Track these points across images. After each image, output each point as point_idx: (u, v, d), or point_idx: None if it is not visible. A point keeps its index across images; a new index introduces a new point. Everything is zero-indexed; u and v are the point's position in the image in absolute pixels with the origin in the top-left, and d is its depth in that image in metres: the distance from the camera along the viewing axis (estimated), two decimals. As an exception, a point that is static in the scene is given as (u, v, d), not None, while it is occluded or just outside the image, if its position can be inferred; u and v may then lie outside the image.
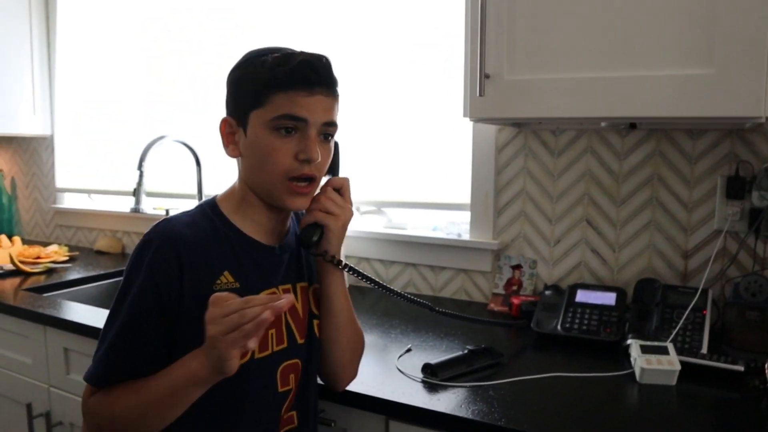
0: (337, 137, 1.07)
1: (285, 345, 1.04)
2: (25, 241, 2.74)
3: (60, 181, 2.83)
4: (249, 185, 1.02)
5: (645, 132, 1.55)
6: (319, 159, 0.97)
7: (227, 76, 1.03)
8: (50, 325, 1.74)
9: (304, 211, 1.07)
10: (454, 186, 1.86)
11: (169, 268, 0.93)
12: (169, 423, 0.92)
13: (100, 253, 2.66)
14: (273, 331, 1.02)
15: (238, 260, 1.00)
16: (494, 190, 1.75)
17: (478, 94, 1.36)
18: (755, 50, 1.13)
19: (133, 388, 0.93)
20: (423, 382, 1.22)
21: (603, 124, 1.49)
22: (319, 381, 1.16)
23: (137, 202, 2.06)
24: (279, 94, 0.94)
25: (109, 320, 0.97)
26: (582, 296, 1.50)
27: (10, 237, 2.56)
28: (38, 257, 2.35)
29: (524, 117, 1.38)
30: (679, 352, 1.27)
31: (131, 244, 2.65)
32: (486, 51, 1.34)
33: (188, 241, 0.95)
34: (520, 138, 1.70)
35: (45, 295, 2.00)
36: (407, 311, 1.75)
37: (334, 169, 1.12)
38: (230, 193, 1.06)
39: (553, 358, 1.36)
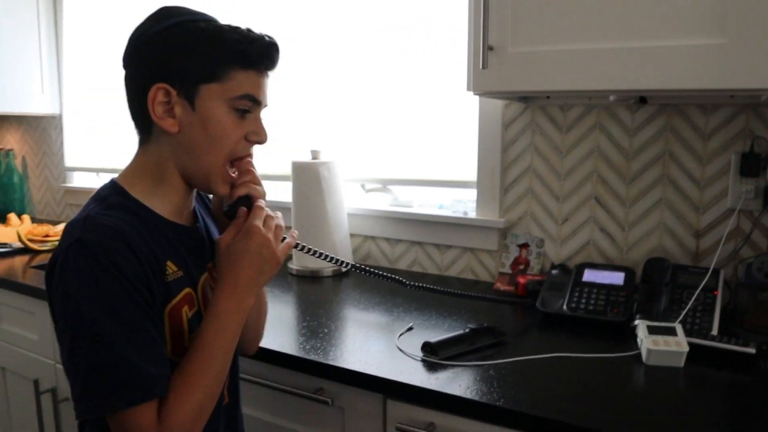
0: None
1: None
2: (35, 220, 2.75)
3: (69, 160, 2.83)
4: (180, 162, 0.92)
5: (656, 107, 1.50)
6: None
7: (146, 35, 0.89)
8: (55, 302, 1.75)
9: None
10: (460, 163, 1.82)
11: (128, 259, 0.82)
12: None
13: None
14: (194, 310, 0.95)
15: (173, 248, 0.93)
16: (501, 167, 1.71)
17: (481, 67, 1.32)
18: (771, 18, 1.08)
19: (189, 371, 0.86)
20: (423, 360, 1.20)
21: (612, 98, 1.44)
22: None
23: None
24: (239, 71, 0.90)
25: (105, 336, 0.80)
26: (589, 275, 1.47)
27: (20, 215, 2.58)
28: (47, 235, 2.36)
29: (529, 90, 1.34)
30: (688, 333, 1.23)
31: (140, 222, 2.64)
32: (489, 22, 1.29)
33: (129, 235, 0.84)
34: (528, 114, 1.66)
35: (52, 272, 2.00)
36: (412, 290, 1.73)
37: None
38: (139, 175, 0.93)
39: (558, 338, 1.33)
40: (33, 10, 2.70)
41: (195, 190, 1.01)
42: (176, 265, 0.92)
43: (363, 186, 2.04)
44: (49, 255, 2.20)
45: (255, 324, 1.12)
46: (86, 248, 0.81)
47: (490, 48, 1.32)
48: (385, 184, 2.00)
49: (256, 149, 0.99)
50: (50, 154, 2.92)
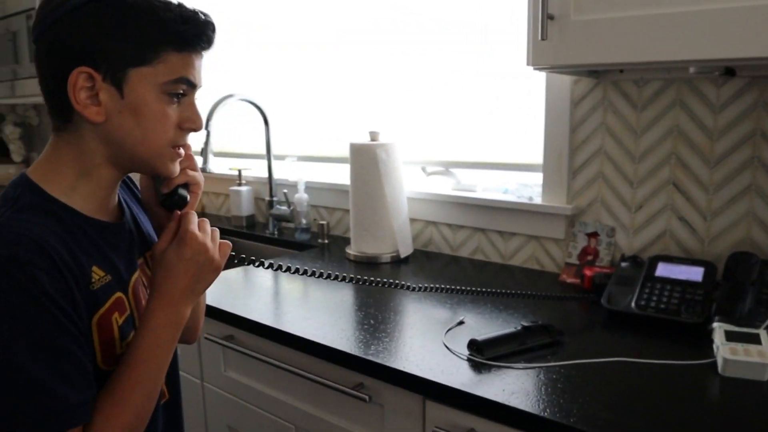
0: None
1: None
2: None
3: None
4: (112, 153, 0.83)
5: (745, 80, 1.31)
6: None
7: (70, 8, 0.77)
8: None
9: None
10: (526, 145, 1.70)
11: (48, 272, 0.74)
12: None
13: (181, 212, 2.72)
14: (125, 315, 0.87)
15: (98, 250, 0.84)
16: (569, 148, 1.57)
17: (540, 38, 1.20)
18: None
19: (119, 392, 0.81)
20: (468, 360, 1.11)
21: (692, 69, 1.28)
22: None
23: (205, 161, 2.05)
24: (173, 53, 0.80)
25: (21, 360, 0.72)
26: (663, 270, 1.32)
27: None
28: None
29: (593, 63, 1.21)
30: (778, 340, 1.08)
31: (209, 204, 2.68)
32: (549, -13, 1.17)
33: (48, 243, 0.75)
34: (599, 90, 1.51)
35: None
36: (474, 276, 1.64)
37: None
38: (57, 168, 0.83)
39: (623, 339, 1.20)
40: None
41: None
42: (103, 269, 0.83)
43: (424, 169, 1.95)
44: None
45: (193, 314, 1.02)
46: (4, 268, 0.71)
47: (551, 17, 1.19)
48: (447, 167, 1.90)
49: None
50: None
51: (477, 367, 1.09)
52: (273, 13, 2.33)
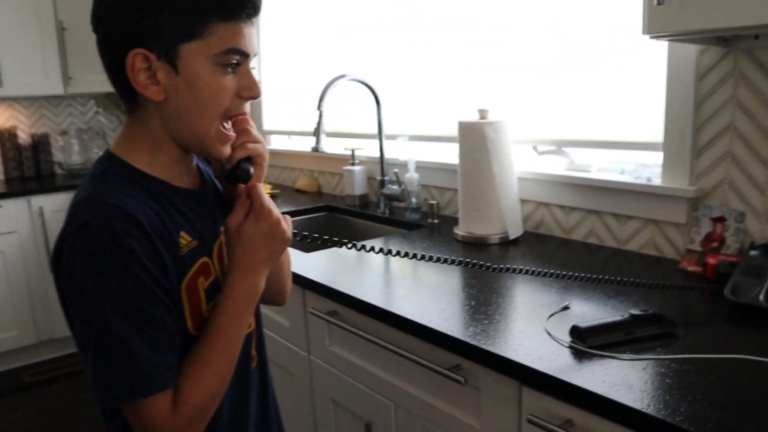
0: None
1: None
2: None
3: (267, 124, 3.03)
4: (171, 130, 0.86)
5: None
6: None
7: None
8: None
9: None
10: (645, 122, 1.58)
11: (141, 241, 0.79)
12: None
13: (299, 191, 2.82)
14: (210, 278, 0.92)
15: (183, 216, 0.88)
16: (693, 125, 1.45)
17: (656, 3, 1.10)
18: None
19: (203, 358, 0.85)
20: (569, 347, 1.07)
21: (841, 35, 1.13)
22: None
23: (317, 141, 2.11)
24: (220, 24, 0.81)
25: (117, 328, 0.77)
26: (799, 259, 1.19)
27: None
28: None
29: (719, 28, 1.09)
30: None
31: (326, 184, 2.76)
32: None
33: (138, 210, 0.80)
34: (729, 60, 1.37)
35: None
36: (587, 261, 1.57)
37: None
38: (135, 143, 0.88)
39: (747, 336, 1.10)
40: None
41: None
42: (189, 234, 0.88)
43: (535, 148, 1.88)
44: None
45: (280, 277, 1.07)
46: (93, 233, 0.76)
47: (670, -19, 1.10)
48: (560, 146, 1.82)
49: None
50: (253, 119, 3.15)
51: (578, 355, 1.04)
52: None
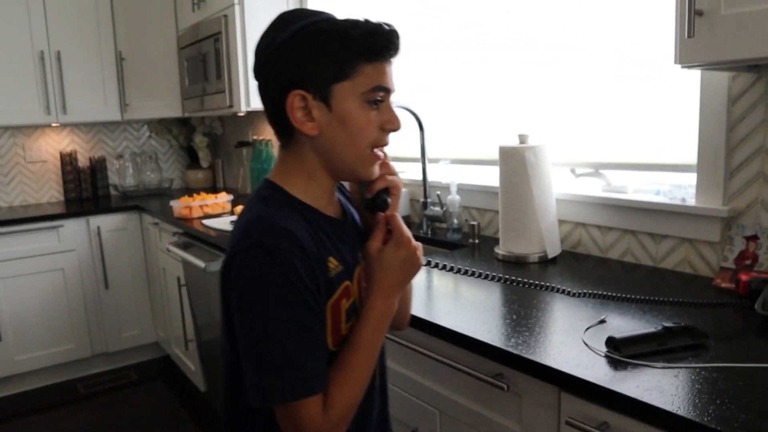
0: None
1: None
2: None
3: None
4: (325, 161, 0.97)
5: None
6: None
7: (272, 45, 0.93)
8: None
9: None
10: (679, 145, 1.65)
11: (303, 262, 0.89)
12: None
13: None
14: (351, 301, 1.01)
15: (332, 242, 0.98)
16: (725, 147, 1.51)
17: (687, 36, 1.19)
18: None
19: (348, 367, 0.95)
20: (606, 357, 1.14)
21: None
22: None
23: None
24: (366, 65, 0.92)
25: (278, 333, 0.88)
26: (829, 276, 1.25)
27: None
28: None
29: (746, 58, 1.17)
30: None
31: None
32: (697, -16, 1.16)
33: (300, 235, 0.90)
34: (760, 85, 1.44)
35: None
36: (623, 279, 1.63)
37: None
38: (291, 174, 0.98)
39: (774, 346, 1.16)
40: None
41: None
42: (336, 259, 0.97)
43: (573, 171, 1.96)
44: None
45: (405, 302, 1.17)
46: (266, 251, 0.86)
47: (699, 13, 1.18)
48: (597, 169, 1.90)
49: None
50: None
51: (613, 363, 1.11)
52: (425, 20, 2.45)
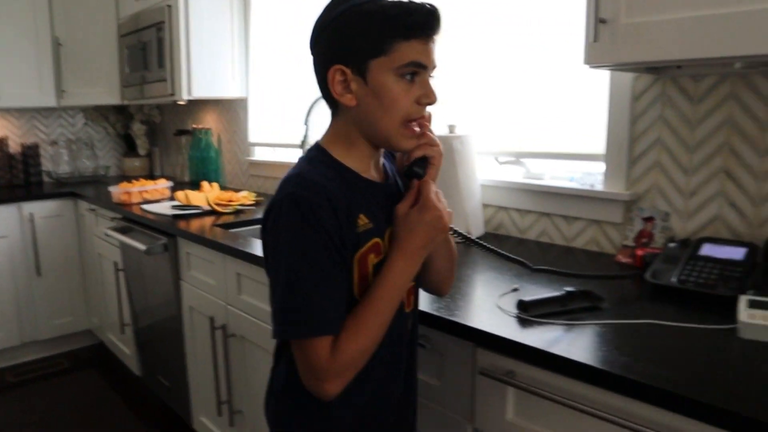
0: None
1: None
2: (223, 187, 3.20)
3: (252, 137, 3.23)
4: (362, 130, 1.05)
5: (797, 74, 1.40)
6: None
7: (322, 24, 1.03)
8: (227, 253, 2.07)
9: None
10: (590, 136, 1.83)
11: (329, 214, 0.97)
12: None
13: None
14: (379, 258, 1.07)
15: (366, 202, 1.05)
16: (629, 139, 1.70)
17: (592, 40, 1.35)
18: None
19: (362, 317, 1.00)
20: (516, 317, 1.28)
21: (737, 65, 1.38)
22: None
23: (303, 153, 2.31)
24: (402, 42, 0.98)
25: (299, 277, 0.97)
26: (708, 250, 1.43)
27: (210, 183, 3.01)
28: (230, 200, 2.75)
29: (639, 61, 1.34)
30: (804, 311, 1.17)
31: (307, 192, 2.96)
32: (602, -6, 1.32)
33: (330, 190, 0.99)
34: (658, 85, 1.63)
35: (231, 230, 2.36)
36: (539, 257, 1.79)
37: None
38: (336, 139, 1.08)
39: (660, 308, 1.33)
40: (227, 8, 3.14)
41: (383, 150, 1.13)
42: (367, 217, 1.04)
43: (497, 159, 2.12)
44: (231, 217, 2.55)
45: (446, 270, 1.22)
46: (296, 202, 0.96)
47: (603, 21, 1.34)
48: (518, 157, 2.06)
49: None
50: (238, 132, 3.36)
51: (522, 322, 1.25)
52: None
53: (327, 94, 1.05)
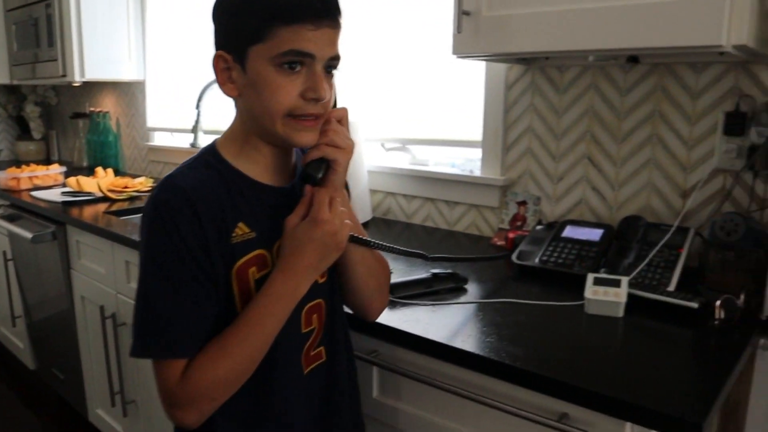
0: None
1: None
2: (120, 173, 3.11)
3: (150, 121, 3.15)
4: (249, 126, 0.93)
5: (648, 67, 1.50)
6: (328, 97, 0.91)
7: (215, 6, 0.91)
8: (116, 241, 2.03)
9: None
10: (471, 124, 1.90)
11: (190, 221, 0.86)
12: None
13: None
14: (264, 271, 0.94)
15: (250, 208, 0.93)
16: (503, 127, 1.77)
17: (457, 31, 1.40)
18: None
19: (224, 343, 0.88)
20: (384, 299, 1.33)
21: (590, 58, 1.47)
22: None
23: (195, 138, 2.28)
24: (282, 28, 0.84)
25: (151, 290, 0.87)
26: (569, 231, 1.52)
27: (105, 169, 2.93)
28: (126, 187, 2.68)
29: (499, 53, 1.40)
30: (644, 288, 1.27)
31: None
32: (463, -13, 1.37)
33: (200, 194, 0.87)
34: (528, 75, 1.71)
35: (122, 217, 2.30)
36: (424, 241, 1.84)
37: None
38: (230, 137, 0.96)
39: (522, 288, 1.40)
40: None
41: (295, 150, 1.01)
42: (248, 226, 0.92)
43: (383, 145, 2.16)
44: (125, 203, 2.46)
45: (371, 289, 1.08)
46: (156, 207, 0.86)
47: (466, 13, 1.39)
48: (404, 144, 2.11)
49: None
50: (137, 116, 3.26)
51: (389, 304, 1.30)
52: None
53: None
